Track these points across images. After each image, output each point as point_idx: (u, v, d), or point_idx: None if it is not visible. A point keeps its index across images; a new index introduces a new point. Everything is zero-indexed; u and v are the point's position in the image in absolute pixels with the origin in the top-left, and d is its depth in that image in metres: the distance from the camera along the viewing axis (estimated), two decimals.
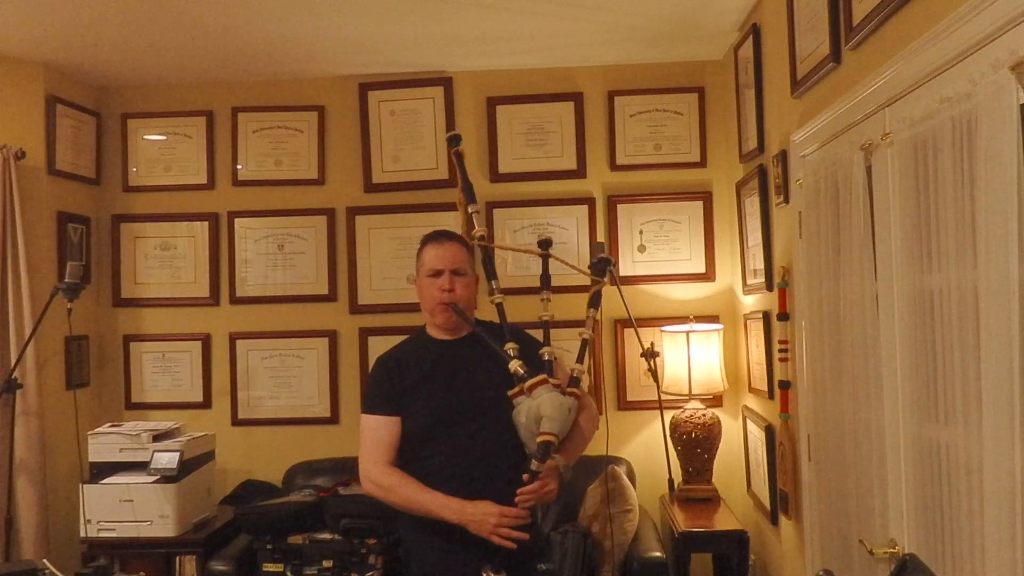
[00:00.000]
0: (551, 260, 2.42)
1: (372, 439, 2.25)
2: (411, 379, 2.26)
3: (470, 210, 2.40)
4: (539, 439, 2.06)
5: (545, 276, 2.40)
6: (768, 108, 3.05)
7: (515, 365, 2.16)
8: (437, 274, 2.26)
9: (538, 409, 2.07)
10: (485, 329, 2.27)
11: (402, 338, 2.44)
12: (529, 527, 2.16)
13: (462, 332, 2.32)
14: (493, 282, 2.33)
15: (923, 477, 1.73)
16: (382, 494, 2.21)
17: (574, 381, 2.23)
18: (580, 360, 2.29)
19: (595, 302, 2.35)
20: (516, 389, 2.14)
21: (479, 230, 2.37)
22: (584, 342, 2.32)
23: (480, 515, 2.09)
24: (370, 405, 2.30)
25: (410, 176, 3.93)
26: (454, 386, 2.24)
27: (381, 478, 2.21)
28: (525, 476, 2.08)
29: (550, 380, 2.14)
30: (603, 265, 2.38)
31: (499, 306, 2.31)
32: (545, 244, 2.45)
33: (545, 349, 2.25)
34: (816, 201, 2.31)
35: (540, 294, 2.37)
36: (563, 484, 2.19)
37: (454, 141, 2.46)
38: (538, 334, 2.34)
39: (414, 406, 2.23)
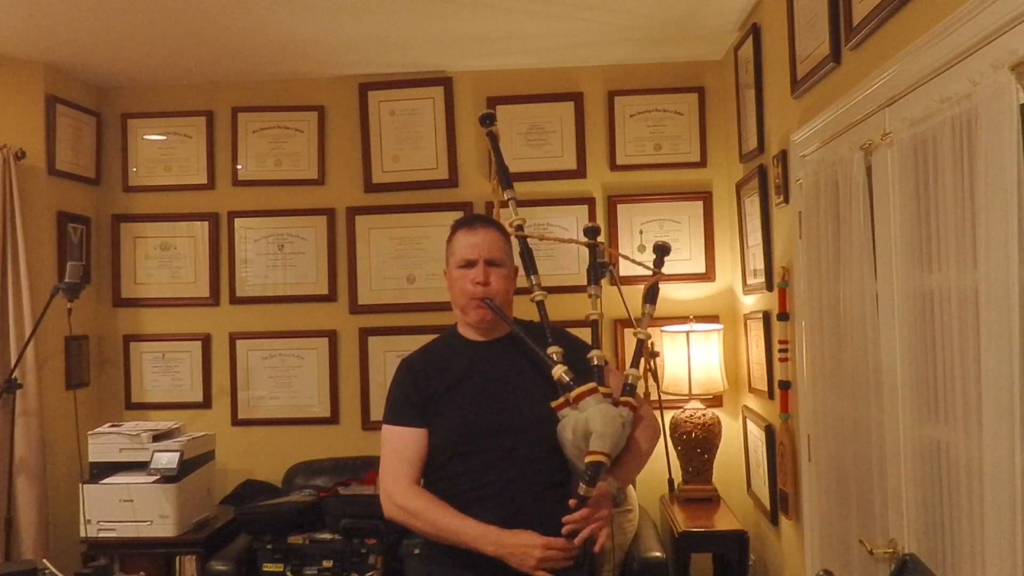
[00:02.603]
0: (594, 252, 2.13)
1: (395, 454, 1.97)
2: (440, 385, 1.98)
3: (506, 196, 2.12)
4: (588, 459, 1.78)
5: (593, 269, 2.10)
6: (768, 108, 3.05)
7: (559, 371, 1.87)
8: (469, 265, 1.97)
9: (586, 424, 1.79)
10: (524, 329, 1.98)
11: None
12: (579, 563, 1.88)
13: (498, 332, 2.04)
14: (533, 277, 2.05)
15: (923, 477, 1.73)
16: (406, 518, 1.92)
17: (628, 389, 1.94)
18: (635, 364, 1.99)
19: (652, 296, 2.08)
20: (561, 400, 1.87)
21: (517, 218, 2.09)
22: (639, 343, 2.03)
23: (521, 547, 1.80)
24: (393, 414, 2.01)
25: (410, 176, 3.93)
26: (489, 394, 1.96)
27: (406, 500, 1.91)
28: (572, 502, 1.81)
29: (600, 389, 1.86)
30: (661, 255, 2.12)
31: (540, 304, 2.03)
32: (592, 232, 2.15)
33: (594, 353, 1.95)
34: (816, 201, 2.31)
35: (587, 289, 2.08)
36: (615, 510, 1.93)
37: (487, 120, 2.19)
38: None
39: (443, 416, 1.95)
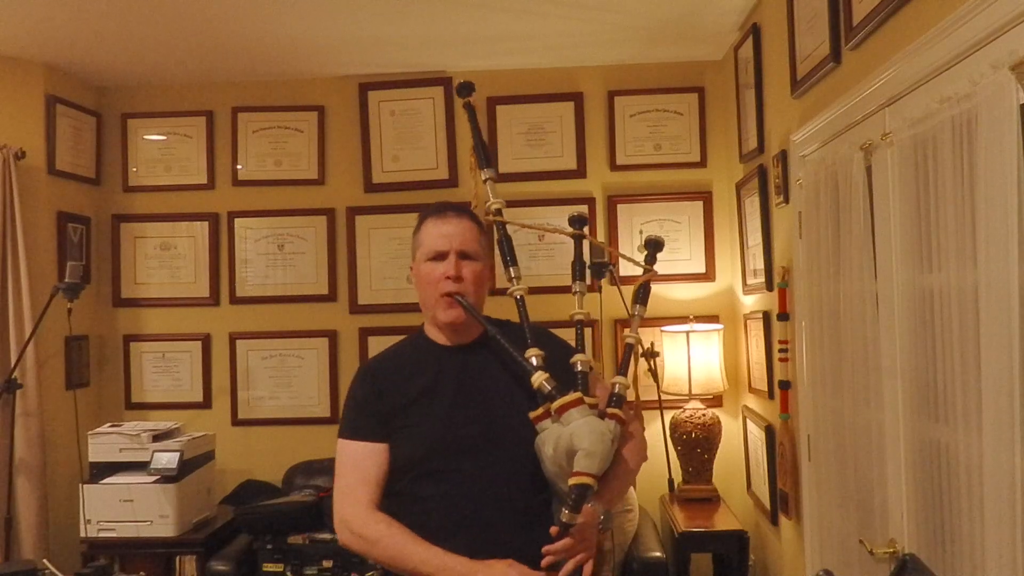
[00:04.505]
0: (580, 244, 1.93)
1: (352, 473, 1.76)
2: (405, 395, 1.76)
3: (484, 176, 1.90)
4: (572, 481, 1.58)
5: (579, 263, 1.88)
6: (768, 108, 3.05)
7: (540, 379, 1.66)
8: (439, 257, 1.76)
9: (570, 439, 1.59)
10: (501, 330, 1.77)
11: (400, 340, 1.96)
12: None
13: (471, 335, 1.83)
14: (512, 269, 1.84)
15: (923, 477, 1.73)
16: (363, 547, 1.70)
17: (616, 399, 1.74)
18: (623, 371, 1.79)
19: (643, 297, 1.87)
20: (541, 410, 1.67)
21: (495, 202, 1.87)
22: (628, 347, 1.83)
23: None
24: (350, 428, 1.80)
25: (410, 176, 3.93)
26: (460, 405, 1.74)
27: (363, 526, 1.70)
28: (554, 530, 1.59)
29: (586, 400, 1.66)
30: (654, 250, 1.91)
31: (519, 300, 1.83)
32: (578, 222, 1.93)
33: (578, 357, 1.75)
34: (816, 201, 2.31)
35: (572, 285, 1.88)
36: (600, 537, 1.71)
37: (464, 90, 1.97)
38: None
39: (408, 430, 1.74)
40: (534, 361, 1.71)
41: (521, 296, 1.84)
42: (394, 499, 1.74)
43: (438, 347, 1.84)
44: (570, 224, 1.93)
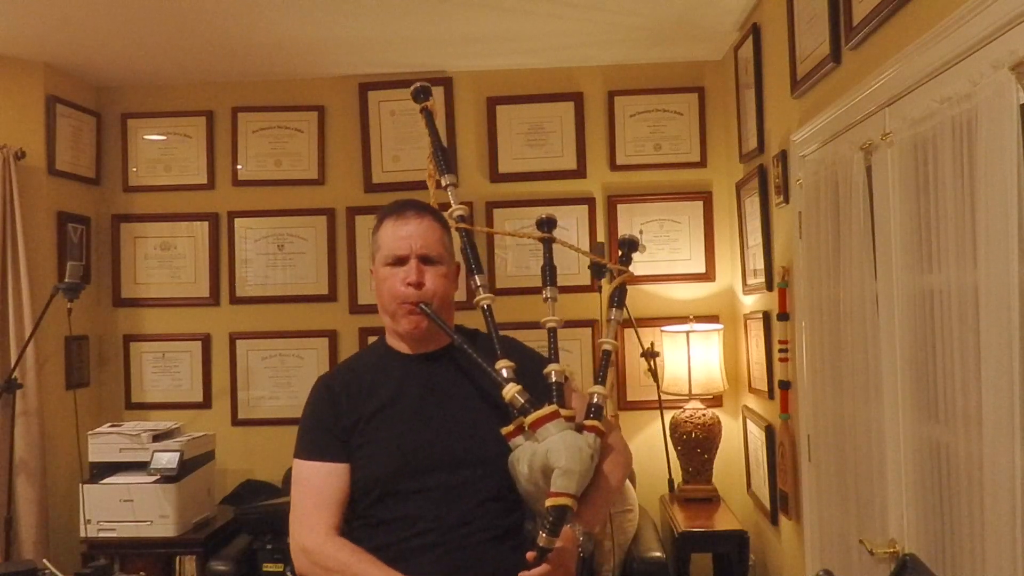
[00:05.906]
0: (550, 248, 1.84)
1: (309, 496, 1.61)
2: (365, 409, 1.64)
3: (444, 183, 1.82)
4: (549, 502, 1.47)
5: (549, 267, 1.80)
6: (768, 108, 3.05)
7: (512, 391, 1.55)
8: (399, 262, 1.65)
9: (546, 456, 1.49)
10: (468, 339, 1.67)
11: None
12: None
13: (436, 344, 1.71)
14: (477, 277, 1.74)
15: (923, 477, 1.73)
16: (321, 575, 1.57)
17: (595, 411, 1.63)
18: (601, 380, 1.68)
19: (619, 300, 1.78)
20: (513, 426, 1.57)
21: (457, 208, 1.78)
22: (605, 354, 1.72)
23: None
24: (306, 447, 1.65)
25: (410, 176, 3.91)
26: (425, 419, 1.63)
27: (323, 555, 1.56)
28: (530, 555, 1.48)
29: (562, 412, 1.55)
30: (629, 250, 1.82)
31: (486, 309, 1.72)
32: (546, 224, 1.83)
33: (552, 367, 1.65)
34: (816, 201, 2.31)
35: (543, 291, 1.78)
36: (581, 562, 1.58)
37: (421, 95, 1.89)
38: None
39: (369, 447, 1.62)
40: (505, 373, 1.60)
41: (488, 305, 1.73)
42: (355, 522, 1.64)
43: (401, 356, 1.72)
44: (537, 227, 1.85)
